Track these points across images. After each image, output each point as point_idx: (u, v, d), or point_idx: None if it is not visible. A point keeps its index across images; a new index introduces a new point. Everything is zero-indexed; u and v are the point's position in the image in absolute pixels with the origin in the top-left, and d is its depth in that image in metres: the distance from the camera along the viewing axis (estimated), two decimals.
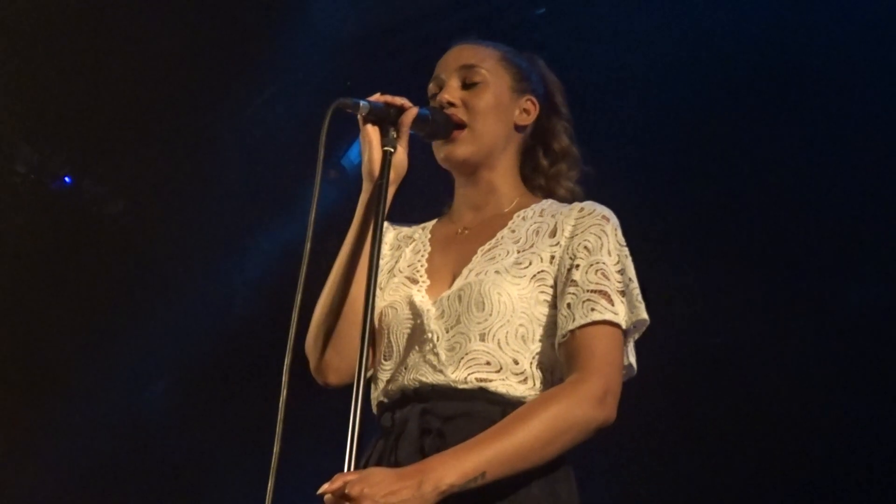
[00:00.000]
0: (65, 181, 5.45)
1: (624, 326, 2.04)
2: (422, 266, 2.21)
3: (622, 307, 2.04)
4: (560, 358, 2.04)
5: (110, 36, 4.75)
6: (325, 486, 1.82)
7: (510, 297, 2.06)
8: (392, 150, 2.08)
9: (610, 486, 4.30)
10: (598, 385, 1.97)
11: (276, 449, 1.85)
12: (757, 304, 4.65)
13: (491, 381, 2.02)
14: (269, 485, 1.83)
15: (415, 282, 2.18)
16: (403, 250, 2.29)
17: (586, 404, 1.95)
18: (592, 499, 2.11)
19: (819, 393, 4.41)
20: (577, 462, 2.05)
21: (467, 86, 2.25)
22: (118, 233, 5.57)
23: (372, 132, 2.13)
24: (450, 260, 2.20)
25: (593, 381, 1.97)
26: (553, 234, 2.15)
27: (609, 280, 2.05)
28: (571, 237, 2.12)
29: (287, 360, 1.88)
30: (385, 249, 2.29)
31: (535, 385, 2.04)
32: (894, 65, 4.11)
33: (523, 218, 2.22)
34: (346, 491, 1.79)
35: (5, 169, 5.27)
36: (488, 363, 2.03)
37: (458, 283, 2.11)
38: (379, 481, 1.82)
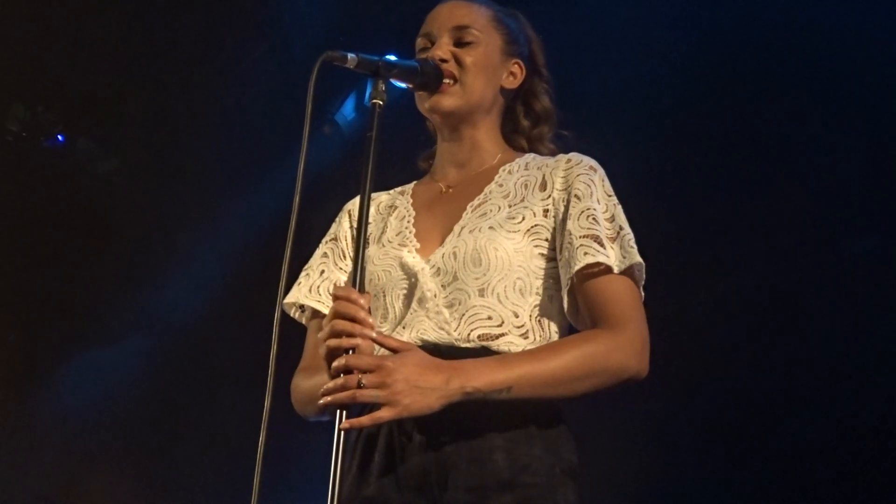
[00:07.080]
0: (58, 139, 5.43)
1: (616, 270, 2.04)
2: (410, 231, 2.21)
3: (612, 251, 2.05)
4: (580, 307, 2.06)
5: None
6: (357, 362, 1.86)
7: (506, 251, 2.07)
8: (381, 102, 2.06)
9: (608, 449, 4.31)
10: (637, 335, 2.00)
11: (266, 403, 1.85)
12: (748, 258, 4.65)
13: (493, 339, 2.03)
14: (261, 437, 1.83)
15: (404, 246, 2.18)
16: (387, 220, 2.29)
17: (626, 352, 1.97)
18: (590, 459, 2.13)
19: (810, 345, 4.43)
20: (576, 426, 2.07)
21: (459, 45, 2.25)
22: (111, 191, 5.56)
23: None
24: (438, 220, 2.21)
25: (632, 330, 1.99)
26: (543, 187, 2.16)
27: (599, 225, 2.06)
28: (563, 189, 2.13)
29: (277, 313, 1.90)
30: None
31: (535, 339, 2.05)
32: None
33: (509, 172, 2.23)
34: (384, 362, 1.85)
35: None
36: (490, 318, 2.04)
37: (451, 240, 2.12)
38: (415, 363, 1.89)
